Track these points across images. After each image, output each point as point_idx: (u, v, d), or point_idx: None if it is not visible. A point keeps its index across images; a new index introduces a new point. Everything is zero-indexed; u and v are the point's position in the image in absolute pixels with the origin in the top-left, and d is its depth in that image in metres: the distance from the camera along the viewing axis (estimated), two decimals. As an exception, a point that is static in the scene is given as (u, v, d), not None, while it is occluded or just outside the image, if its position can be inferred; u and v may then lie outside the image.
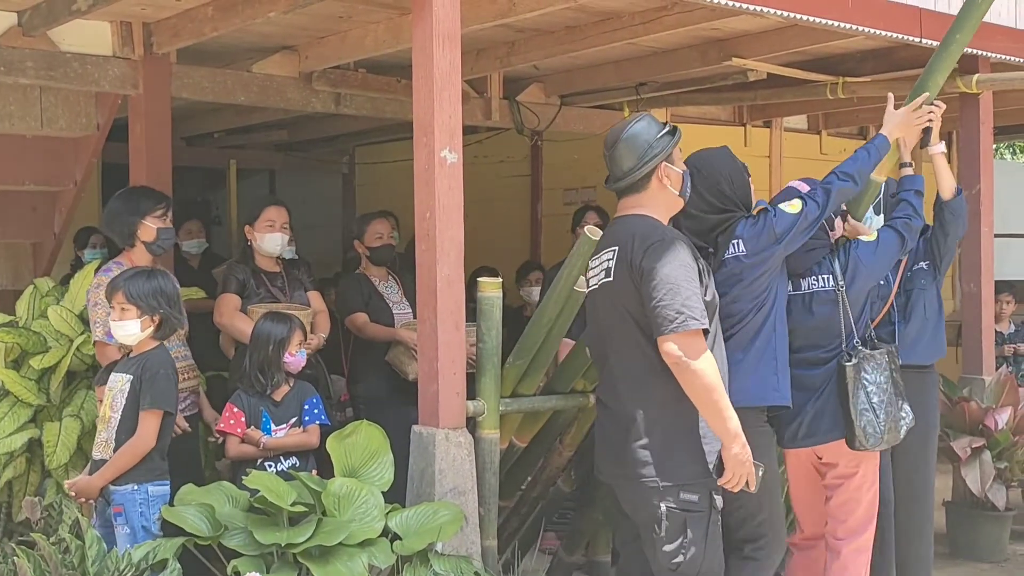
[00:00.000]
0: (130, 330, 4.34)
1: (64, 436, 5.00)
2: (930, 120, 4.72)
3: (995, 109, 6.97)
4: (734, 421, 3.80)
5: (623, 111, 7.86)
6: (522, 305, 7.40)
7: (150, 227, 5.10)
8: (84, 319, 5.15)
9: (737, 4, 5.15)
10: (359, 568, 3.92)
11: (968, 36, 4.77)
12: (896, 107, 4.72)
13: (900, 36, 5.89)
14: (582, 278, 4.29)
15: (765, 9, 5.27)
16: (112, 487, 4.27)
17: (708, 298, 3.86)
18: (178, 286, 4.57)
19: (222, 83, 6.47)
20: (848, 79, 6.87)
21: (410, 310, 5.96)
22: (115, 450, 4.28)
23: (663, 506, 3.81)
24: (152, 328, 4.36)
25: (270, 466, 4.75)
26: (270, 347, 4.86)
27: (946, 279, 5.91)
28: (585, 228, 4.38)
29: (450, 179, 4.33)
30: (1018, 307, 8.68)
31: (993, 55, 6.35)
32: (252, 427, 4.78)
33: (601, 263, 3.99)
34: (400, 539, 4.09)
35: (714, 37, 6.44)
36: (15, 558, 3.96)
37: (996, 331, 7.57)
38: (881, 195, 4.88)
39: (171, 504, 4.24)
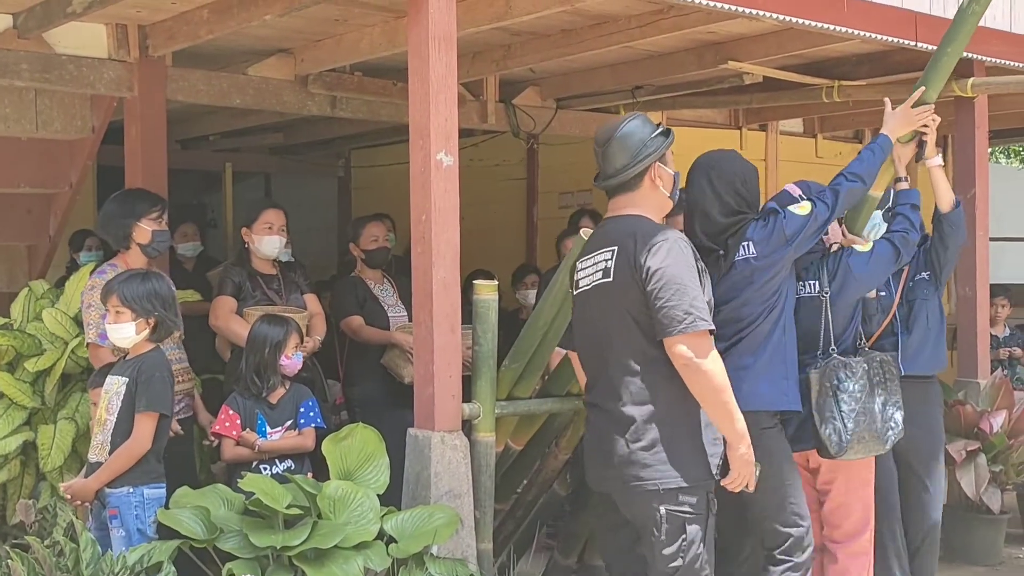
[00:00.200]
0: (125, 333, 4.33)
1: (59, 439, 4.99)
2: (925, 129, 4.73)
3: (990, 113, 6.98)
4: (741, 422, 3.81)
5: (619, 114, 7.84)
6: (518, 308, 7.40)
7: (145, 229, 5.09)
8: (79, 321, 5.14)
9: (733, 7, 5.15)
10: (354, 571, 3.91)
11: (961, 48, 4.78)
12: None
13: (896, 40, 5.89)
14: None
15: (761, 12, 5.28)
16: (107, 490, 4.26)
17: (707, 299, 3.86)
18: (173, 288, 4.56)
19: (217, 86, 6.46)
20: (844, 83, 6.87)
21: (405, 313, 5.96)
22: (111, 453, 4.27)
23: (662, 509, 3.80)
24: (147, 331, 4.35)
25: (265, 469, 4.74)
26: (266, 350, 4.86)
27: (943, 282, 5.91)
28: (581, 231, 4.38)
29: (446, 182, 4.32)
30: (1013, 311, 8.68)
31: (988, 59, 6.35)
32: (247, 430, 4.78)
33: (596, 263, 3.95)
34: (395, 542, 4.09)
35: (710, 40, 6.45)
36: (9, 561, 3.95)
37: (991, 335, 7.58)
38: (890, 202, 4.89)
39: (167, 507, 4.24)
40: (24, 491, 5.13)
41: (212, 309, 5.40)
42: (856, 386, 4.41)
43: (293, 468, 4.78)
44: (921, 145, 4.78)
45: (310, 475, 4.69)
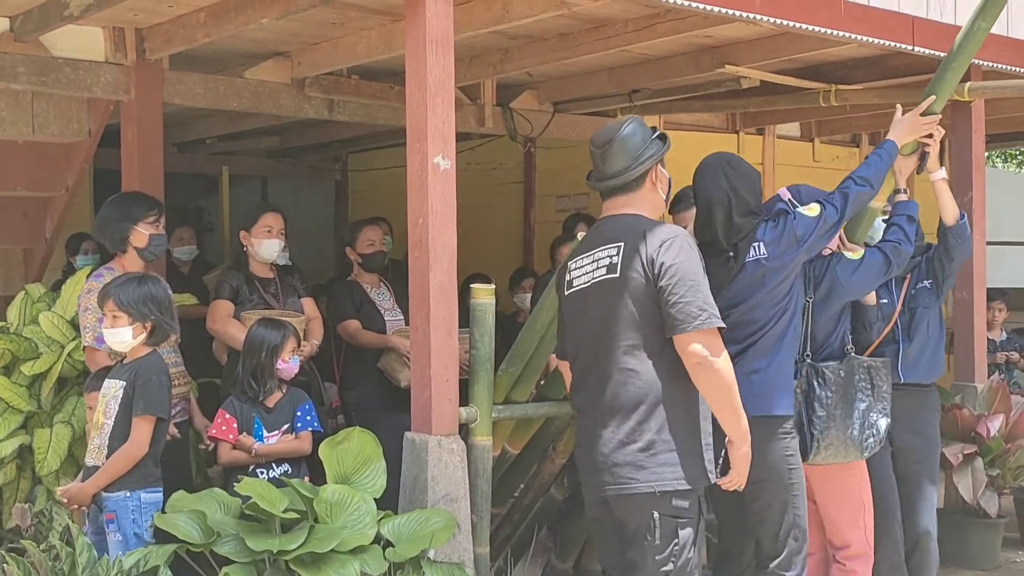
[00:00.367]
0: (122, 337, 4.33)
1: (55, 442, 4.99)
2: (928, 140, 4.74)
3: (987, 117, 6.98)
4: (745, 420, 3.83)
5: (616, 118, 7.86)
6: (515, 312, 7.40)
7: (142, 233, 5.09)
8: (75, 325, 5.14)
9: (730, 11, 5.15)
10: (351, 575, 3.90)
11: (966, 63, 4.84)
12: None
13: (893, 44, 5.89)
14: None
15: (758, 16, 5.28)
16: (104, 494, 4.25)
17: None
18: (170, 292, 4.55)
19: (214, 89, 6.46)
20: (841, 87, 6.88)
21: (402, 317, 5.96)
22: (108, 456, 4.26)
23: (655, 514, 3.79)
24: (144, 335, 4.35)
25: (262, 473, 4.74)
26: (263, 353, 4.85)
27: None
28: (578, 236, 4.37)
29: (443, 186, 4.32)
30: (1010, 315, 8.68)
31: (985, 63, 6.35)
32: (244, 433, 4.77)
33: (597, 260, 3.92)
34: (392, 546, 4.08)
35: (707, 44, 6.45)
36: (5, 565, 3.94)
37: (988, 338, 7.58)
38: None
39: (163, 511, 4.23)
40: (20, 495, 5.12)
41: (210, 313, 5.39)
42: (827, 392, 4.41)
43: (290, 472, 4.77)
44: (923, 157, 4.80)
45: (307, 479, 4.68)
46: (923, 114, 4.70)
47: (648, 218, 3.95)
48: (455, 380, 4.37)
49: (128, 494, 4.23)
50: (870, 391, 4.51)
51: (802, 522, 4.32)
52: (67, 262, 7.26)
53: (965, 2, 6.01)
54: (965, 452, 6.25)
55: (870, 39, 5.78)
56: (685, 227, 4.22)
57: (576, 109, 7.97)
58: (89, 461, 4.37)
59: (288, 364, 4.90)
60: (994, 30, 6.13)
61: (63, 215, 6.72)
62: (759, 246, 4.26)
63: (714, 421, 3.91)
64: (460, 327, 4.43)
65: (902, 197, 4.87)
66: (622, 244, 3.86)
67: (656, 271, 3.77)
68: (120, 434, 4.26)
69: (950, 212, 5.08)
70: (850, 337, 4.69)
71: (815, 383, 4.40)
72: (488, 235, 8.86)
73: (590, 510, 4.09)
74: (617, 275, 3.85)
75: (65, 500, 4.34)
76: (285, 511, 4.05)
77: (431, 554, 4.11)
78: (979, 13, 4.70)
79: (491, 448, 4.53)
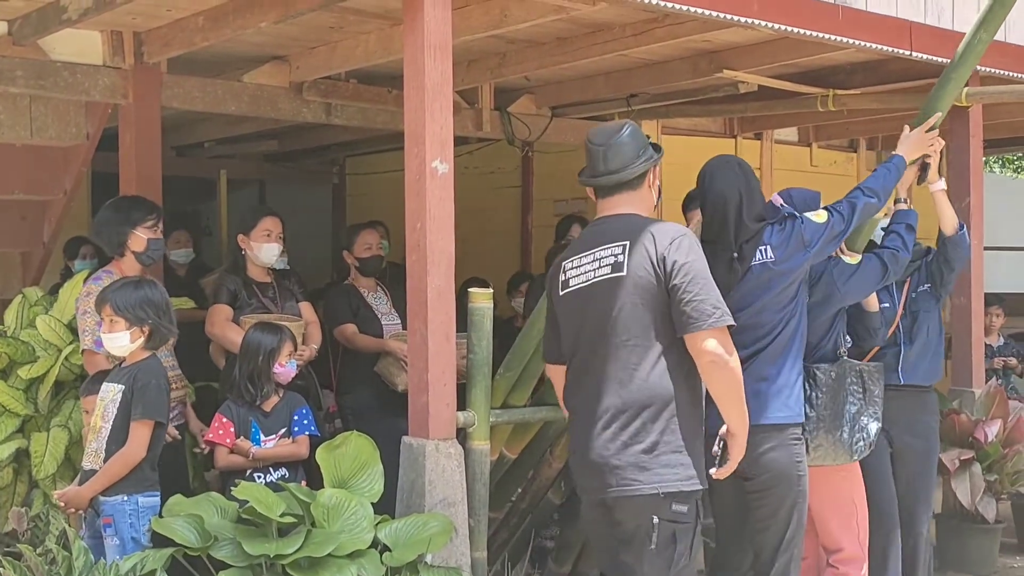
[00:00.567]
0: (120, 342, 4.32)
1: (52, 446, 4.98)
2: (931, 150, 4.78)
3: (984, 122, 7.00)
4: (747, 413, 3.87)
5: (613, 121, 7.86)
6: (513, 316, 7.39)
7: (141, 237, 5.09)
8: (73, 329, 5.13)
9: (728, 16, 5.16)
10: (348, 579, 3.91)
11: (967, 74, 4.87)
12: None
13: (890, 49, 5.90)
14: None
15: (756, 21, 5.28)
16: (102, 498, 4.24)
17: None
18: (167, 295, 4.54)
19: (212, 93, 6.47)
20: (838, 91, 6.87)
21: (399, 321, 5.95)
22: (105, 460, 4.26)
23: (655, 518, 3.78)
24: (142, 339, 4.34)
25: (259, 477, 4.74)
26: (260, 357, 4.85)
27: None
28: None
29: (441, 189, 4.32)
30: (1007, 320, 8.69)
31: (983, 68, 6.36)
32: (241, 438, 4.77)
33: (600, 259, 3.88)
34: (389, 550, 4.08)
35: (705, 49, 6.45)
36: (1, 569, 3.93)
37: (985, 344, 7.58)
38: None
39: (161, 515, 4.22)
40: (17, 499, 5.11)
41: (208, 317, 5.39)
42: (817, 394, 4.41)
43: (287, 476, 4.77)
44: (924, 168, 4.85)
45: (304, 483, 4.67)
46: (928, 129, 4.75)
47: (648, 217, 3.95)
48: (453, 384, 4.36)
49: (125, 498, 4.22)
50: (861, 395, 4.51)
51: (802, 531, 4.32)
52: (65, 266, 7.25)
53: (963, 7, 6.02)
54: (963, 457, 6.25)
55: (868, 44, 5.79)
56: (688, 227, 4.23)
57: (574, 113, 7.97)
58: (86, 465, 4.37)
59: (285, 368, 4.90)
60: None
61: (61, 219, 6.72)
62: (766, 249, 4.25)
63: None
64: (458, 331, 4.42)
65: (902, 206, 4.90)
66: (627, 243, 3.83)
67: (667, 269, 3.76)
68: (118, 438, 4.26)
69: (949, 222, 5.11)
70: (846, 341, 4.69)
71: (806, 384, 4.41)
72: (486, 239, 8.85)
73: (586, 513, 4.06)
74: (624, 273, 3.82)
75: (62, 504, 4.33)
76: (282, 515, 4.04)
77: (428, 558, 4.11)
78: (980, 25, 4.71)
79: (488, 452, 4.53)
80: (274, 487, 4.43)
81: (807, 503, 4.33)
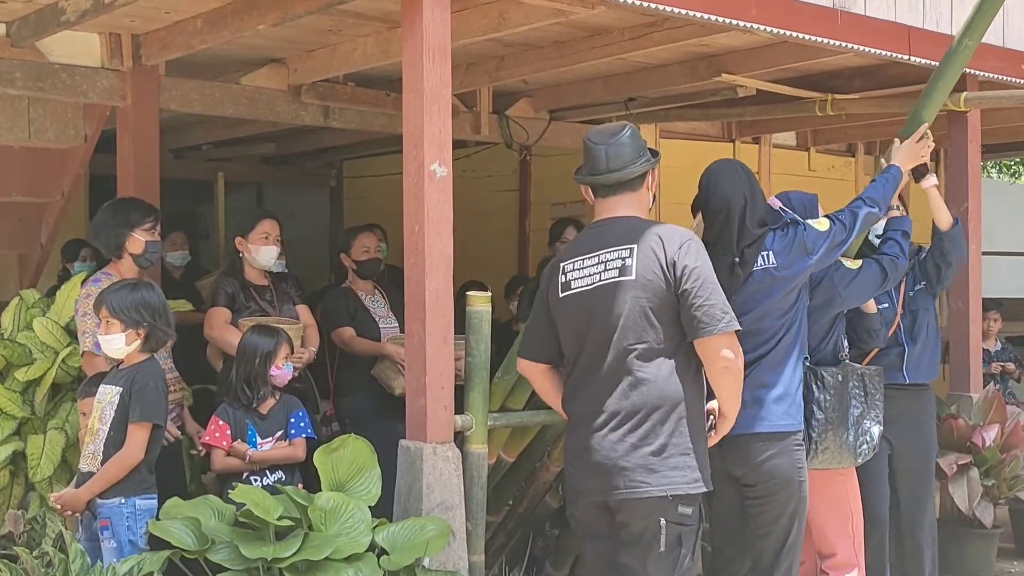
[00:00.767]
0: (116, 344, 4.32)
1: (48, 449, 4.97)
2: (924, 158, 4.82)
3: (983, 127, 6.99)
4: (740, 401, 3.94)
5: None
6: (511, 319, 7.38)
7: (139, 240, 5.08)
8: (70, 331, 5.13)
9: (726, 20, 5.16)
10: (345, 583, 3.90)
11: (952, 82, 4.88)
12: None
13: (889, 54, 5.90)
14: None
15: (754, 26, 5.28)
16: (99, 500, 4.24)
17: None
18: (164, 298, 4.54)
19: (211, 95, 6.46)
20: (837, 96, 6.88)
21: (397, 324, 5.95)
22: (103, 463, 4.25)
23: (662, 520, 3.78)
24: (138, 341, 4.33)
25: (256, 480, 4.73)
26: (256, 360, 4.85)
27: (935, 296, 5.96)
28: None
29: (439, 193, 4.32)
30: (1005, 325, 8.69)
31: (981, 73, 6.37)
32: (238, 440, 4.76)
33: (605, 262, 3.86)
34: (387, 554, 4.07)
35: (703, 53, 6.45)
36: (-2, 572, 3.93)
37: (983, 349, 7.59)
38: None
39: (158, 518, 4.21)
40: (13, 501, 5.11)
41: (207, 319, 5.38)
42: (825, 396, 4.42)
43: (284, 479, 4.76)
44: (915, 171, 4.87)
45: (301, 486, 4.67)
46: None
47: (650, 220, 3.95)
48: (450, 388, 4.36)
49: (123, 500, 4.22)
50: (863, 398, 4.52)
51: (802, 537, 4.32)
52: (63, 268, 7.25)
53: (961, 12, 6.02)
54: (960, 462, 6.25)
55: (866, 49, 5.79)
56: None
57: (572, 117, 7.97)
58: (83, 467, 4.36)
59: (281, 371, 4.90)
60: (990, 40, 6.18)
61: (59, 221, 6.72)
62: (768, 255, 4.25)
63: None
64: (456, 334, 4.42)
65: (896, 213, 4.91)
66: (634, 246, 3.82)
67: (678, 274, 3.76)
68: (116, 440, 4.25)
69: (944, 217, 5.13)
70: (846, 344, 4.70)
71: (814, 386, 4.41)
72: (484, 242, 8.85)
73: (584, 516, 4.01)
74: (632, 277, 3.80)
75: (59, 506, 4.32)
76: (279, 518, 4.04)
77: (426, 562, 4.10)
78: (965, 32, 4.72)
79: (486, 456, 4.53)
80: (271, 490, 4.43)
81: (808, 509, 4.33)
